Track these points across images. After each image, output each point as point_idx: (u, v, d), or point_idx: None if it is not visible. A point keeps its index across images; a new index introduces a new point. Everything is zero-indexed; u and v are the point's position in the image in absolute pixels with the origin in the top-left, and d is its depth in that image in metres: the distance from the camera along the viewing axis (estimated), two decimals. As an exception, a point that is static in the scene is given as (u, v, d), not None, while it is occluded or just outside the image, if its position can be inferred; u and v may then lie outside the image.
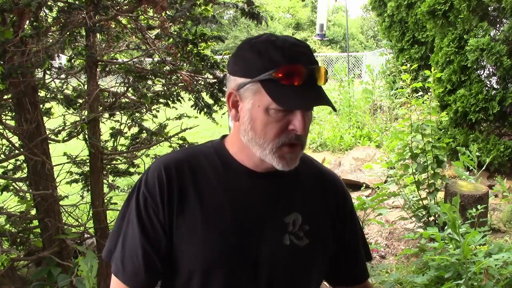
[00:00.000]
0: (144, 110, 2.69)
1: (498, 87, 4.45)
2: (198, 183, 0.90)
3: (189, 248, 0.88)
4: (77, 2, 2.19)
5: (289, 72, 0.81)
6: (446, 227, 2.06)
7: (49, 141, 2.35)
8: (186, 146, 2.71)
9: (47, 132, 2.34)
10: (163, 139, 2.68)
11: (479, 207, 2.73)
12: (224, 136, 0.99)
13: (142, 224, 0.88)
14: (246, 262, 0.88)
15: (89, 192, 2.56)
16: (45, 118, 2.41)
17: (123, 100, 2.66)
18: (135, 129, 2.83)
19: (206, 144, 0.99)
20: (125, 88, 2.57)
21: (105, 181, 2.57)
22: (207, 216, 0.88)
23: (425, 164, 3.07)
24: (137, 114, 2.78)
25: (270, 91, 0.82)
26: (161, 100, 2.74)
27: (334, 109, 0.89)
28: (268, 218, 0.90)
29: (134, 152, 2.70)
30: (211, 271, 0.87)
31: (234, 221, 0.88)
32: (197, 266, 0.87)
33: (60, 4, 2.19)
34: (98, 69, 2.43)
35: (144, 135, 2.80)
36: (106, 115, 2.70)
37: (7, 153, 2.44)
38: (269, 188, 0.92)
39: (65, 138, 2.43)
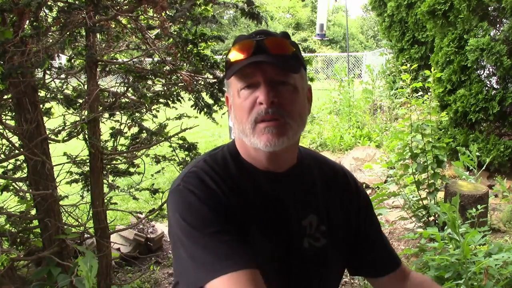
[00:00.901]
0: (144, 110, 2.69)
1: (498, 87, 4.45)
2: (228, 189, 0.87)
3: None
4: (77, 2, 2.19)
5: (236, 50, 0.84)
6: (446, 227, 2.06)
7: (49, 141, 2.35)
8: (194, 144, 2.71)
9: (47, 132, 2.34)
10: (163, 139, 2.68)
11: (479, 207, 2.73)
12: (234, 140, 0.98)
13: (219, 214, 0.82)
14: (272, 270, 0.86)
15: (89, 192, 2.56)
16: (45, 118, 2.41)
17: (123, 100, 2.66)
18: (135, 129, 2.83)
19: (221, 148, 0.96)
20: (125, 88, 2.57)
21: (105, 181, 2.57)
22: (242, 220, 0.85)
23: (425, 164, 3.07)
24: (137, 114, 2.78)
25: (229, 75, 0.85)
26: (161, 100, 2.74)
27: (292, 71, 0.85)
28: (288, 222, 0.89)
29: (134, 152, 2.70)
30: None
31: (258, 230, 0.86)
32: None
33: (60, 4, 2.19)
34: (98, 69, 2.43)
35: (144, 135, 2.80)
36: (106, 115, 2.70)
37: (7, 153, 2.44)
38: (287, 191, 0.91)
39: (65, 138, 2.43)
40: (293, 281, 0.89)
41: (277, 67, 0.82)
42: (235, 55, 0.84)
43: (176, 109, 2.81)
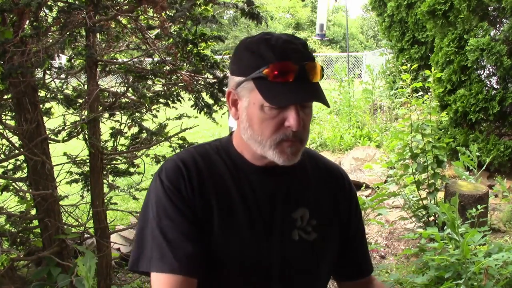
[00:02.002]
0: (144, 110, 2.69)
1: (498, 87, 4.45)
2: (213, 180, 0.91)
3: (207, 242, 0.88)
4: (77, 2, 2.19)
5: (278, 69, 0.82)
6: (445, 227, 2.06)
7: (49, 141, 2.35)
8: (194, 144, 2.71)
9: (47, 132, 2.34)
10: (163, 139, 2.68)
11: (479, 207, 2.73)
12: (231, 134, 1.00)
13: (183, 215, 0.86)
14: (259, 258, 0.90)
15: (89, 192, 2.56)
16: (45, 118, 2.41)
17: (123, 100, 2.66)
18: (135, 129, 2.83)
19: (214, 142, 1.00)
20: (125, 88, 2.57)
21: (105, 181, 2.57)
22: (222, 213, 0.89)
23: (425, 164, 3.07)
24: (137, 114, 2.78)
25: (260, 88, 0.84)
26: (161, 100, 2.74)
27: (327, 106, 0.88)
28: (277, 214, 0.92)
29: (134, 152, 2.70)
30: (226, 270, 0.88)
31: (246, 218, 0.90)
32: (212, 261, 0.88)
33: (60, 4, 2.19)
34: (98, 69, 2.43)
35: (144, 135, 2.80)
36: (106, 115, 2.70)
37: (7, 153, 2.44)
38: (276, 184, 0.94)
39: (65, 138, 2.43)
40: (278, 271, 0.91)
41: (318, 101, 0.85)
42: (277, 76, 0.82)
43: (176, 109, 2.81)
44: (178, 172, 0.89)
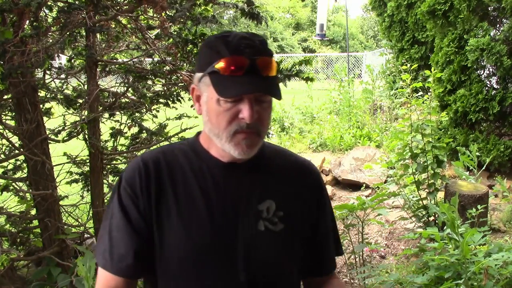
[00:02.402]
0: (144, 110, 2.69)
1: (498, 87, 4.45)
2: (174, 177, 0.94)
3: (166, 238, 0.91)
4: (77, 2, 2.19)
5: (230, 63, 0.85)
6: (445, 227, 2.06)
7: (49, 141, 2.35)
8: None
9: (47, 132, 2.34)
10: (163, 139, 2.68)
11: (479, 207, 2.73)
12: (199, 133, 1.03)
13: (126, 215, 0.92)
14: (222, 251, 0.91)
15: (89, 192, 2.56)
16: (45, 118, 2.41)
17: (123, 100, 2.66)
18: (135, 129, 2.83)
19: (184, 140, 1.05)
20: (125, 88, 2.57)
21: (105, 181, 2.57)
22: (183, 207, 0.92)
23: (425, 164, 3.07)
24: (137, 114, 2.78)
25: (214, 82, 0.87)
26: (161, 100, 2.75)
27: (278, 98, 0.89)
28: (242, 206, 0.94)
29: (134, 152, 2.70)
30: (188, 261, 0.91)
31: (208, 211, 0.92)
32: (174, 255, 0.91)
33: (60, 4, 2.19)
34: (98, 69, 2.43)
35: (144, 135, 2.80)
36: (106, 115, 2.70)
37: (7, 153, 2.44)
38: (241, 178, 0.96)
39: (65, 138, 2.43)
40: (244, 262, 0.92)
41: (267, 93, 0.88)
42: (225, 69, 0.86)
43: (176, 109, 2.81)
44: (136, 171, 0.94)
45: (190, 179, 0.94)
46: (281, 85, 2.66)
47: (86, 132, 2.38)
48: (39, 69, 2.13)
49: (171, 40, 2.44)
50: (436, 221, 3.07)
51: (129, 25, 2.48)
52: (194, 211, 0.92)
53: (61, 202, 2.47)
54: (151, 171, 0.94)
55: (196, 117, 2.69)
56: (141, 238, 0.92)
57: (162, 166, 0.95)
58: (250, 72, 0.85)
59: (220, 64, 0.86)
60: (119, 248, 0.91)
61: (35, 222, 2.48)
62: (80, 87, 2.70)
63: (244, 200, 0.95)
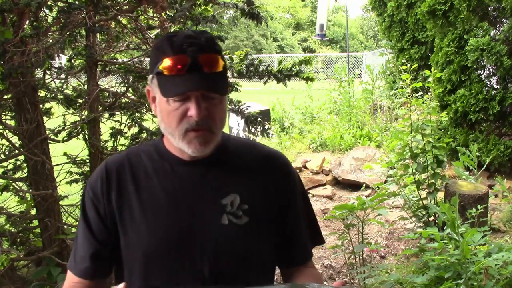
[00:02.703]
0: (144, 110, 2.69)
1: (498, 87, 4.45)
2: (137, 178, 0.97)
3: (129, 237, 0.95)
4: (77, 2, 2.19)
5: (172, 63, 0.86)
6: (445, 227, 2.06)
7: (49, 141, 2.35)
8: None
9: (47, 132, 2.34)
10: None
11: (479, 207, 2.73)
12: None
13: (87, 219, 0.98)
14: (186, 245, 0.92)
15: (89, 192, 2.55)
16: (45, 118, 2.41)
17: (123, 100, 2.66)
18: (135, 129, 2.83)
19: (150, 141, 1.08)
20: (125, 88, 2.57)
21: (105, 181, 2.56)
22: (145, 206, 0.95)
23: (425, 164, 3.07)
24: (137, 114, 2.78)
25: (159, 83, 0.89)
26: (161, 100, 2.74)
27: (222, 94, 0.91)
28: (204, 201, 0.95)
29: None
30: (151, 257, 0.93)
31: (170, 208, 0.94)
32: (138, 253, 0.93)
33: (60, 4, 2.19)
34: (98, 69, 2.43)
35: (144, 135, 2.80)
36: (106, 115, 2.70)
37: (7, 153, 2.44)
38: (204, 173, 0.97)
39: (65, 138, 2.43)
40: (208, 256, 0.92)
41: (210, 90, 0.88)
42: (169, 69, 0.87)
43: (176, 109, 2.80)
44: (99, 176, 0.99)
45: (154, 179, 0.97)
46: (281, 85, 2.67)
47: (86, 132, 2.38)
48: (39, 69, 2.13)
49: (171, 40, 2.44)
50: (436, 221, 3.07)
51: (129, 25, 2.48)
52: (158, 209, 0.94)
53: (61, 202, 2.47)
54: (113, 175, 0.98)
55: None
56: (99, 241, 0.97)
57: (125, 169, 0.98)
58: (192, 70, 0.86)
59: (163, 64, 0.87)
60: (80, 251, 0.98)
61: (35, 222, 2.48)
62: (80, 87, 2.70)
63: (207, 195, 0.96)
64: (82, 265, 0.97)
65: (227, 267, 0.93)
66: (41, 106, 2.37)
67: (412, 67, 3.59)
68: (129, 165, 0.99)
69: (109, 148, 2.72)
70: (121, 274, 0.99)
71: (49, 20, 2.24)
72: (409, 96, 3.23)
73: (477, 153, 3.87)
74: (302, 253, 1.08)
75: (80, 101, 2.58)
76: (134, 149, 1.06)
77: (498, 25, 4.55)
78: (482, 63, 4.36)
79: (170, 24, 2.26)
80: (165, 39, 0.90)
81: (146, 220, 0.94)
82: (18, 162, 2.59)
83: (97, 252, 0.97)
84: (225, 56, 2.82)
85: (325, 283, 1.09)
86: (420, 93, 3.79)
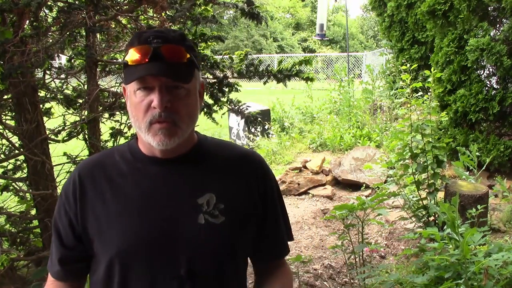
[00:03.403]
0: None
1: (498, 87, 4.45)
2: (110, 178, 0.98)
3: (104, 238, 0.94)
4: (77, 2, 2.19)
5: (135, 52, 0.89)
6: (445, 227, 2.06)
7: (49, 141, 2.35)
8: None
9: (47, 132, 2.34)
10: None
11: (479, 207, 2.73)
12: None
13: (56, 225, 1.00)
14: (162, 245, 0.93)
15: (89, 192, 2.55)
16: (45, 118, 2.41)
17: (123, 100, 2.66)
18: (135, 129, 2.83)
19: (126, 142, 1.08)
20: (125, 88, 2.56)
21: (105, 181, 2.56)
22: (119, 206, 0.95)
23: (425, 164, 3.07)
24: (137, 114, 2.77)
25: (124, 73, 0.93)
26: (161, 100, 2.74)
27: (181, 82, 0.91)
28: (180, 201, 0.95)
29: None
30: (128, 258, 0.93)
31: (145, 208, 0.94)
32: (113, 253, 0.93)
33: (60, 4, 2.19)
34: (98, 69, 2.43)
35: (144, 135, 2.79)
36: (106, 115, 2.70)
37: (7, 153, 2.44)
38: (178, 173, 0.98)
39: (65, 138, 2.43)
40: (185, 255, 0.93)
41: (170, 77, 0.89)
42: (132, 57, 0.90)
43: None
44: (71, 180, 0.99)
45: (127, 180, 0.97)
46: (281, 85, 2.67)
47: (86, 132, 2.38)
48: (39, 69, 2.13)
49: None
50: (436, 221, 3.07)
51: (129, 25, 2.48)
52: (132, 210, 0.94)
53: (61, 202, 2.47)
54: (86, 177, 0.98)
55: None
56: (66, 247, 0.99)
57: (99, 170, 0.99)
58: (154, 59, 0.88)
59: (128, 56, 0.90)
60: (52, 254, 1.02)
61: (35, 222, 2.48)
62: (80, 87, 2.70)
63: (182, 195, 0.96)
64: (55, 268, 1.01)
65: (204, 266, 0.94)
66: (41, 106, 2.37)
67: (412, 67, 3.59)
68: (102, 167, 1.00)
69: (109, 148, 2.71)
70: (98, 275, 0.98)
71: (49, 20, 2.24)
72: (409, 96, 3.23)
73: (477, 153, 3.87)
74: (280, 249, 1.10)
75: (80, 101, 2.58)
76: (108, 150, 1.08)
77: (498, 25, 4.55)
78: (482, 63, 4.36)
79: (170, 24, 2.26)
80: (136, 34, 0.94)
81: (120, 221, 0.94)
82: (18, 162, 2.59)
83: (65, 257, 0.99)
84: (225, 57, 2.83)
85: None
86: (420, 93, 3.79)
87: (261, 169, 1.07)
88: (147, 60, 0.88)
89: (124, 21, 2.46)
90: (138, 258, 0.92)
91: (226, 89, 2.62)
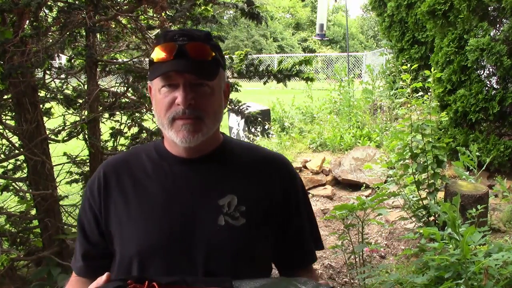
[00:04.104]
0: (144, 110, 2.69)
1: (498, 87, 4.45)
2: (135, 176, 0.99)
3: (124, 235, 0.95)
4: (77, 2, 2.19)
5: (160, 50, 0.90)
6: (446, 227, 2.06)
7: (49, 141, 2.35)
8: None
9: (47, 132, 2.34)
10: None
11: (479, 207, 2.73)
12: None
13: (81, 220, 1.01)
14: (180, 245, 0.92)
15: (89, 192, 2.55)
16: (45, 118, 2.41)
17: (123, 100, 2.66)
18: (135, 129, 2.83)
19: (152, 141, 1.10)
20: (125, 88, 2.57)
21: (105, 181, 2.56)
22: (142, 204, 0.96)
23: (425, 164, 3.07)
24: (137, 114, 2.78)
25: (150, 70, 0.94)
26: (161, 100, 2.74)
27: (206, 79, 0.91)
28: (201, 201, 0.95)
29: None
30: (146, 257, 0.93)
31: (166, 207, 0.95)
32: (133, 251, 0.93)
33: (60, 4, 2.19)
34: (98, 69, 2.43)
35: (144, 135, 2.80)
36: (106, 115, 2.70)
37: (7, 153, 2.44)
38: (201, 173, 0.98)
39: (65, 138, 2.43)
40: (203, 256, 0.92)
41: (194, 74, 0.90)
42: (158, 55, 0.91)
43: (176, 109, 2.80)
44: (96, 174, 1.01)
45: (152, 178, 0.98)
46: (281, 85, 2.67)
47: (86, 132, 2.38)
48: (39, 69, 2.13)
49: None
50: (436, 221, 3.07)
51: (129, 25, 2.48)
52: (154, 208, 0.95)
53: (61, 202, 2.47)
54: (111, 174, 0.99)
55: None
56: (90, 242, 1.00)
57: (124, 168, 1.00)
58: (179, 56, 0.89)
59: (153, 53, 0.91)
60: (76, 250, 1.04)
61: (35, 222, 2.48)
62: (80, 87, 2.70)
63: (204, 195, 0.96)
64: (78, 264, 1.02)
65: (221, 268, 0.93)
66: (41, 106, 2.37)
67: (412, 67, 3.59)
68: (128, 165, 1.01)
69: (109, 148, 2.72)
70: (117, 272, 0.98)
71: (49, 20, 2.24)
72: (409, 96, 3.23)
73: (477, 153, 3.87)
74: (305, 256, 1.07)
75: (80, 101, 2.58)
76: (135, 148, 1.08)
77: (498, 25, 4.55)
78: (482, 63, 4.36)
79: (170, 24, 2.26)
80: (162, 33, 0.95)
81: (142, 218, 0.94)
82: (18, 162, 2.59)
83: (88, 252, 1.00)
84: (225, 56, 2.83)
85: (329, 283, 1.08)
86: (420, 93, 3.79)
87: (287, 174, 1.05)
88: (172, 57, 0.89)
89: (124, 21, 2.46)
90: (156, 257, 0.92)
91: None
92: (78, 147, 2.63)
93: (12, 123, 2.36)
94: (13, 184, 2.33)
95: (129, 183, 0.98)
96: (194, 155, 0.97)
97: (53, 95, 2.59)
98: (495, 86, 4.53)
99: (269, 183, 1.01)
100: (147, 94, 2.61)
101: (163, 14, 2.13)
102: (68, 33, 2.07)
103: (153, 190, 0.96)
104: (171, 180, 0.97)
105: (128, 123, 2.71)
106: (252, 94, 10.87)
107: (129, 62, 2.53)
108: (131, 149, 1.09)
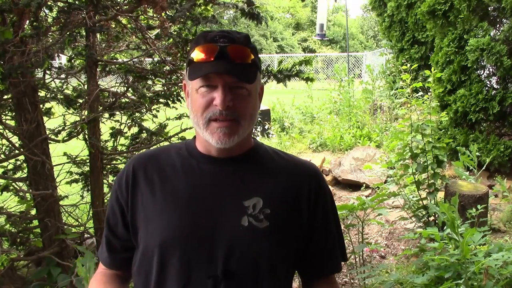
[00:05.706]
0: (144, 110, 2.69)
1: (498, 87, 4.45)
2: (163, 171, 1.00)
3: (148, 229, 0.96)
4: (77, 2, 2.19)
5: (200, 50, 0.91)
6: (445, 227, 2.06)
7: (49, 141, 2.35)
8: None
9: (47, 132, 2.34)
10: (163, 139, 2.68)
11: (479, 207, 2.73)
12: None
13: (108, 212, 1.04)
14: (201, 242, 0.93)
15: (89, 192, 2.56)
16: (45, 118, 2.41)
17: (123, 100, 2.66)
18: (135, 129, 2.83)
19: (184, 140, 1.11)
20: (125, 88, 2.57)
21: (105, 181, 2.57)
22: (167, 199, 0.97)
23: (425, 164, 3.07)
24: (137, 114, 2.78)
25: (189, 70, 0.94)
26: (161, 100, 2.74)
27: (246, 82, 0.92)
28: (226, 200, 0.96)
29: (134, 152, 2.69)
30: (168, 250, 0.93)
31: (190, 204, 0.95)
32: (156, 243, 0.94)
33: (60, 4, 2.19)
34: (98, 69, 2.43)
35: (144, 135, 2.80)
36: (106, 115, 2.70)
37: (7, 153, 2.44)
38: (229, 173, 0.98)
39: (65, 138, 2.43)
40: (223, 255, 0.92)
41: (235, 76, 0.91)
42: (198, 56, 0.91)
43: (176, 109, 2.81)
44: (125, 168, 1.03)
45: (179, 175, 0.99)
46: (281, 85, 2.67)
47: (86, 132, 2.38)
48: (39, 69, 2.13)
49: (171, 40, 2.44)
50: (436, 221, 3.07)
51: (129, 25, 2.48)
52: (179, 204, 0.96)
53: (61, 202, 2.47)
54: (139, 168, 1.00)
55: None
56: (115, 233, 1.03)
57: (153, 162, 1.01)
58: (220, 58, 0.90)
59: (194, 53, 0.92)
60: (103, 242, 1.06)
61: (35, 222, 2.48)
62: (80, 87, 2.70)
63: (230, 195, 0.96)
64: (103, 254, 1.06)
65: (241, 268, 0.93)
66: (41, 106, 2.37)
67: (412, 67, 3.59)
68: (157, 159, 1.02)
69: (109, 148, 2.71)
70: (139, 266, 0.98)
71: (49, 20, 2.23)
72: (409, 96, 3.23)
73: (477, 153, 3.87)
74: (328, 265, 1.07)
75: (80, 101, 2.58)
76: (166, 146, 1.11)
77: (498, 25, 4.55)
78: (482, 63, 4.36)
79: (170, 24, 2.26)
80: (201, 33, 0.95)
81: (167, 211, 0.95)
82: (18, 162, 2.59)
83: (113, 244, 1.04)
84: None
85: None
86: (420, 93, 3.79)
87: (316, 181, 1.04)
88: (212, 58, 0.90)
89: (124, 21, 2.46)
90: (177, 252, 0.93)
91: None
92: (78, 147, 2.63)
93: (12, 123, 2.36)
94: (13, 184, 2.33)
95: (156, 177, 0.99)
96: (225, 155, 0.97)
97: (53, 95, 2.59)
98: (495, 86, 4.53)
99: (296, 189, 1.01)
100: (147, 94, 2.61)
101: (163, 14, 2.13)
102: (68, 33, 2.07)
103: (179, 184, 0.97)
104: (198, 177, 0.98)
105: (128, 123, 2.71)
106: (252, 94, 10.85)
107: (129, 62, 2.53)
108: (161, 146, 1.12)
